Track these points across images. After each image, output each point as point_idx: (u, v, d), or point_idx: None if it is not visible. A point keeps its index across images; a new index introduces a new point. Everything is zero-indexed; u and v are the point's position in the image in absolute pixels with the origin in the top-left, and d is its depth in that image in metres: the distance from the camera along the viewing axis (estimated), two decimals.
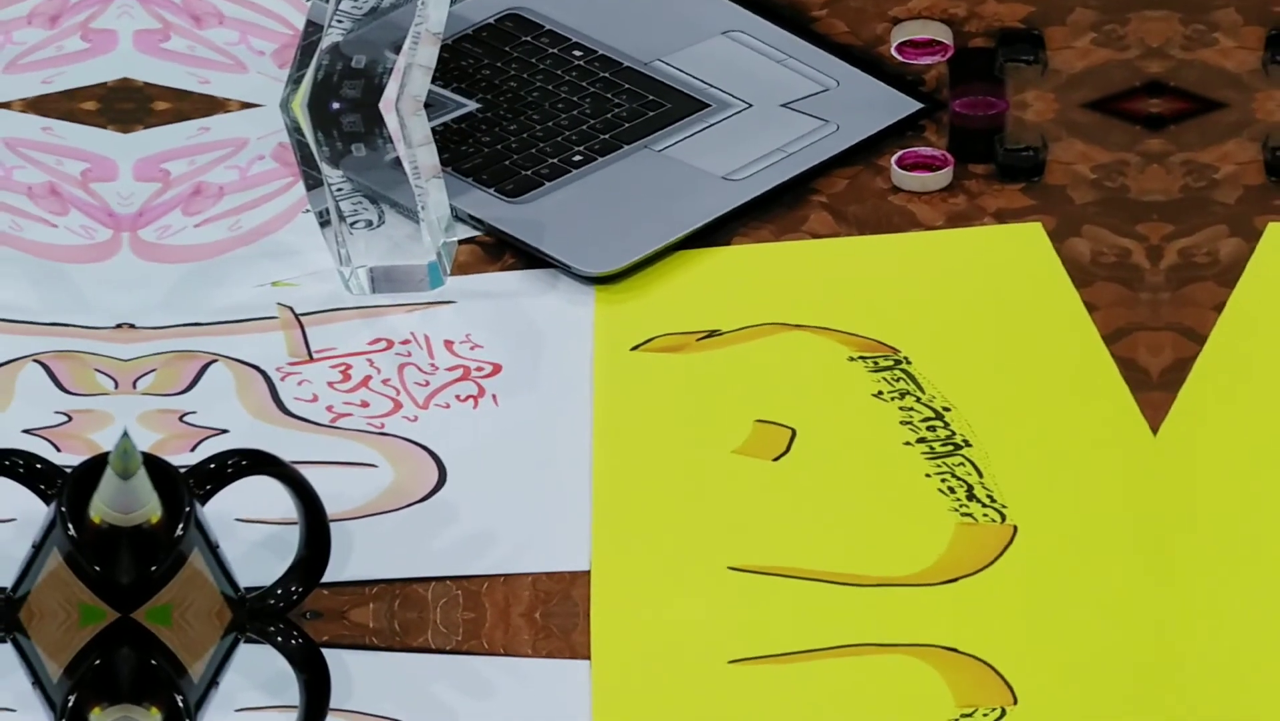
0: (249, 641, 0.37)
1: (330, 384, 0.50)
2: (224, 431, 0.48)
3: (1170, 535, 0.40)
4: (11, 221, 0.60)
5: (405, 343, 0.52)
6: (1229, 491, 0.41)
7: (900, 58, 0.60)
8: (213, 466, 0.37)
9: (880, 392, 0.47)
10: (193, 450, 0.47)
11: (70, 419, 0.48)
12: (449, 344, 0.51)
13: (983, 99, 0.61)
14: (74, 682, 0.33)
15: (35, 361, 0.51)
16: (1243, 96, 0.59)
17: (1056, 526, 0.41)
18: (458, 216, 0.60)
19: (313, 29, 0.54)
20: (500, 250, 0.59)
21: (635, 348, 0.51)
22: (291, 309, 0.55)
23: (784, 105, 0.62)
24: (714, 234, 0.57)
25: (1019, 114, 0.64)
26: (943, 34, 0.62)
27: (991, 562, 0.40)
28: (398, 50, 0.53)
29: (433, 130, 0.55)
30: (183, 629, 0.34)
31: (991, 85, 0.61)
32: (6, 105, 0.62)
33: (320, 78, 0.53)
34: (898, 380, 0.48)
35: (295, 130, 0.51)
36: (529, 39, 0.70)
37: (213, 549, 0.36)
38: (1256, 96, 0.59)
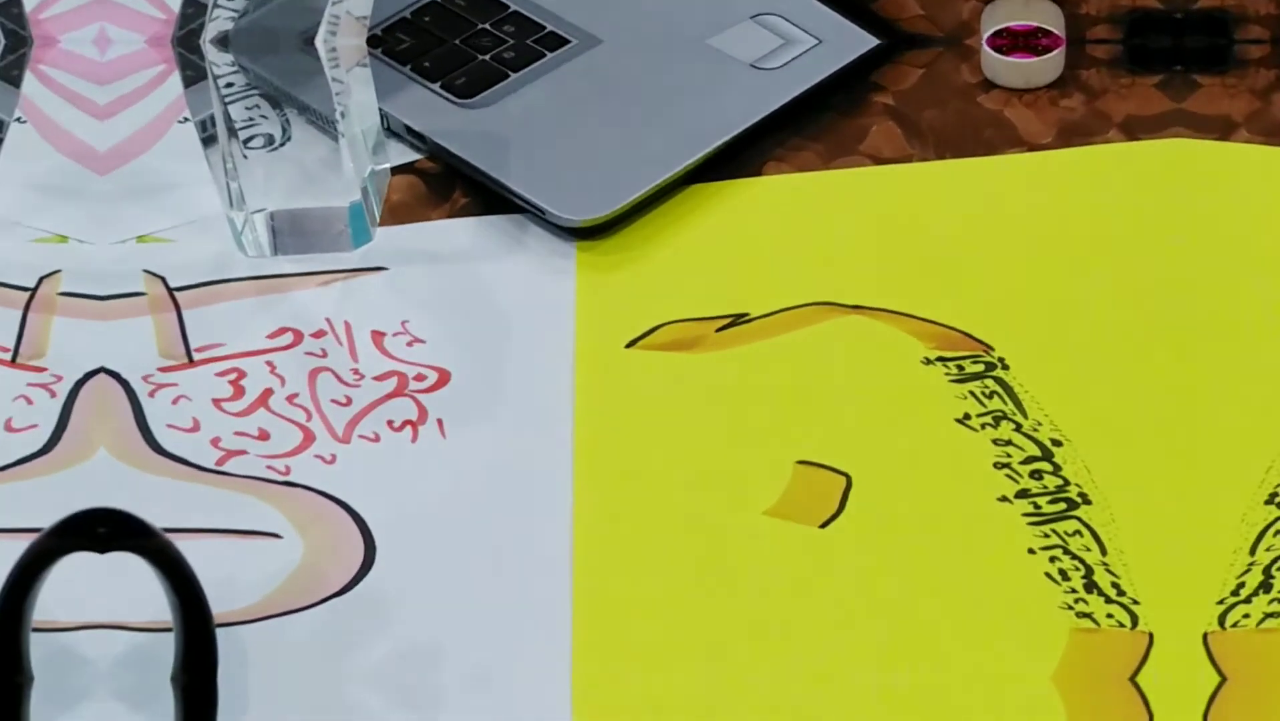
0: None
1: (216, 402, 0.40)
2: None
3: None
4: None
5: (318, 335, 0.42)
6: None
7: (992, 53, 0.46)
8: (39, 548, 0.30)
9: (967, 416, 0.39)
10: None
11: None
12: (378, 337, 0.42)
13: None
14: None
15: None
16: None
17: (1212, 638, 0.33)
18: (390, 130, 0.50)
19: None
20: (448, 182, 0.48)
21: (632, 343, 0.41)
22: (164, 280, 0.45)
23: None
24: (739, 156, 0.46)
25: None
26: (1053, 20, 0.47)
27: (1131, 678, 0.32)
28: None
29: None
30: None
31: None
32: None
33: None
34: (990, 395, 0.39)
35: None
36: None
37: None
38: None
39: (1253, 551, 0.34)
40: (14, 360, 0.41)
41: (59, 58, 0.51)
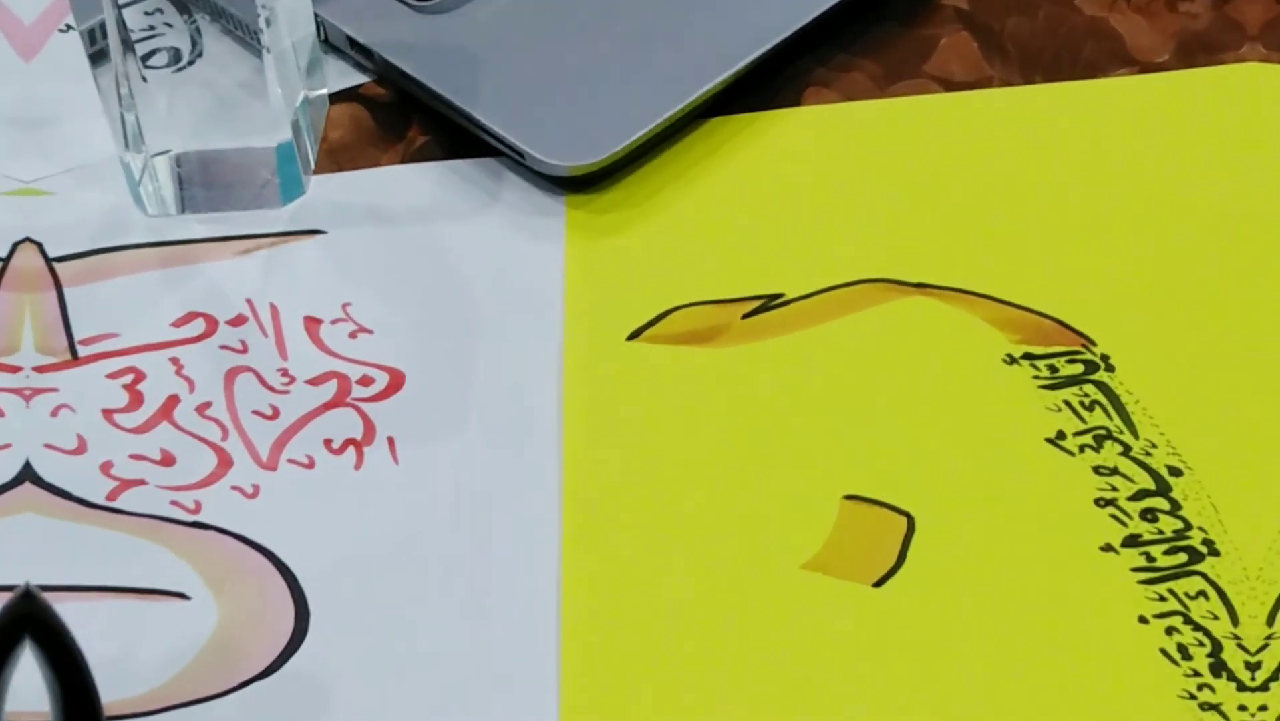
0: None
1: (107, 414, 0.35)
2: None
3: None
4: None
5: (236, 322, 0.37)
6: None
7: None
8: None
9: (1061, 435, 0.34)
10: None
11: None
12: (313, 326, 0.37)
13: None
14: None
15: None
16: None
17: None
18: (329, 43, 0.45)
19: None
20: (401, 115, 0.42)
21: (635, 334, 0.36)
22: (40, 247, 0.41)
23: None
24: (770, 82, 0.42)
25: None
26: None
27: None
28: None
29: None
30: None
31: None
32: None
33: None
34: (1091, 406, 0.34)
35: None
36: None
37: None
38: None
39: None
40: (74, 354, 0.39)
41: None
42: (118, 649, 0.32)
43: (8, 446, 0.36)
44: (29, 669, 0.29)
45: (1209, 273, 0.37)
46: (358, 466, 0.35)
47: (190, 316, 0.38)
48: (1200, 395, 0.35)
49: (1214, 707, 0.30)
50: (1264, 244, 0.37)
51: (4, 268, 0.40)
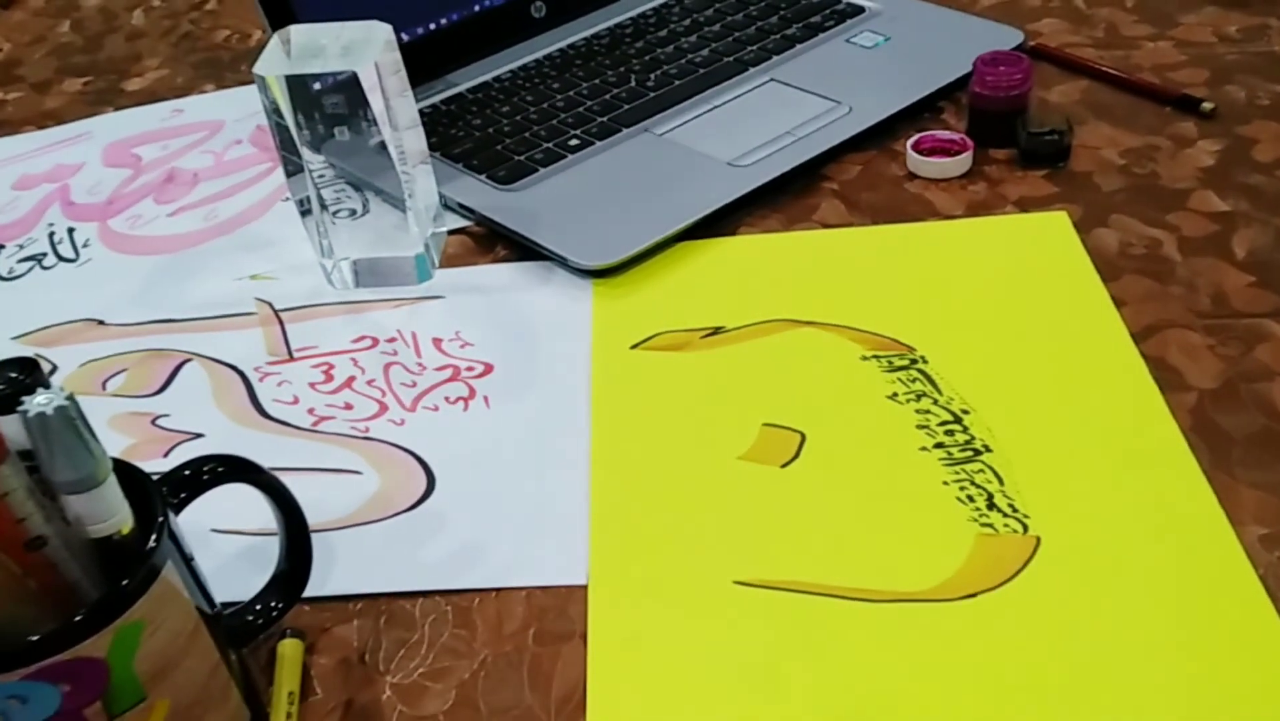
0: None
1: (312, 385, 0.49)
2: (199, 436, 0.47)
3: (1205, 546, 0.39)
4: None
5: (391, 340, 0.51)
6: None
7: (915, 155, 0.57)
8: (188, 473, 0.36)
9: (895, 394, 0.47)
10: (166, 456, 0.46)
11: None
12: (437, 342, 0.51)
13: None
14: None
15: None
16: None
17: (1082, 537, 0.40)
18: (446, 205, 0.60)
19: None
20: (492, 241, 0.58)
21: (635, 346, 0.50)
22: (270, 304, 0.55)
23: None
24: (719, 223, 0.57)
25: (1043, 95, 0.64)
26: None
27: (1013, 576, 0.39)
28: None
29: (420, 113, 0.55)
30: (154, 647, 0.34)
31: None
32: None
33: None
34: (914, 381, 0.47)
35: (274, 112, 0.50)
36: None
37: (187, 562, 0.35)
38: None
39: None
40: (291, 356, 0.49)
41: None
42: (320, 497, 0.43)
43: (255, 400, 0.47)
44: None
45: (979, 312, 0.51)
46: (465, 410, 0.47)
47: (361, 337, 0.51)
48: (976, 373, 0.48)
49: (989, 525, 0.40)
50: (1006, 296, 0.50)
51: (254, 315, 0.51)
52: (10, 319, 0.55)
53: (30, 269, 0.59)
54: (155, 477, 0.34)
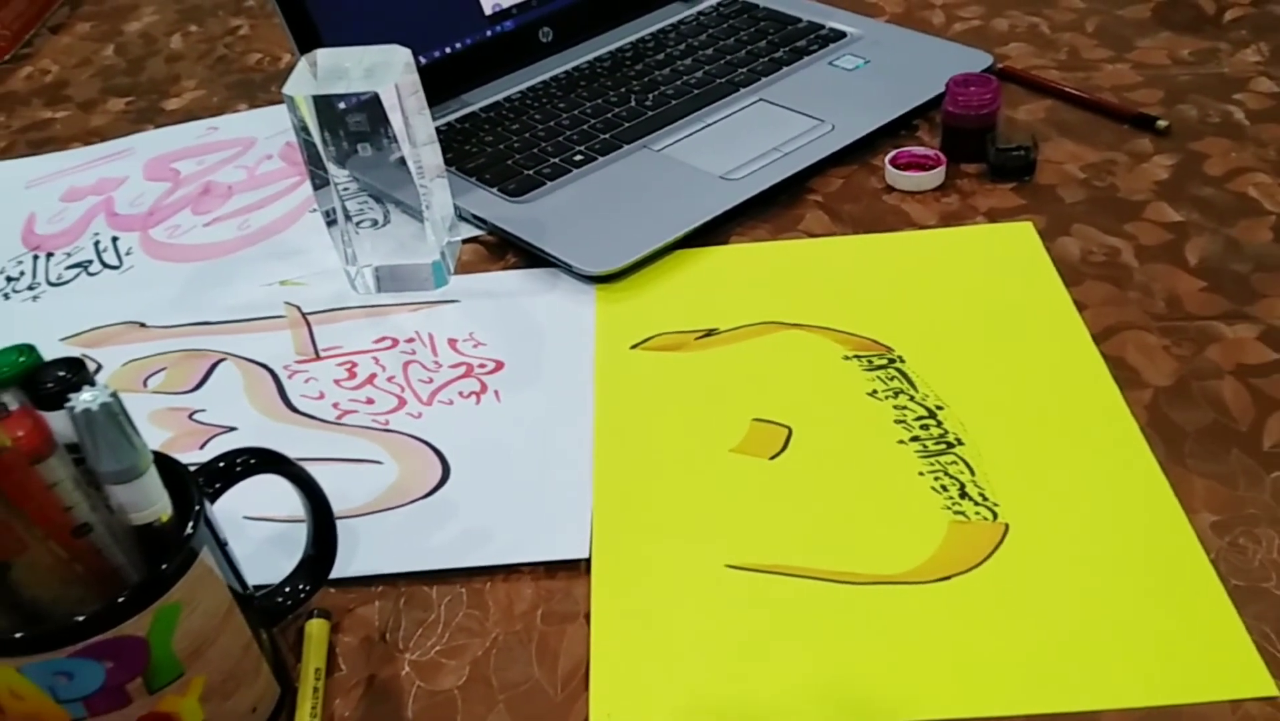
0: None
1: (336, 381, 0.49)
2: (232, 429, 0.47)
3: (1161, 532, 0.39)
4: None
5: (410, 340, 0.51)
6: None
7: (894, 169, 0.56)
8: (222, 465, 0.36)
9: (875, 391, 0.46)
10: (202, 448, 0.46)
11: None
12: (452, 342, 0.50)
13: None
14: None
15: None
16: None
17: (1047, 524, 0.40)
18: (461, 216, 0.59)
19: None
20: (503, 249, 0.58)
21: (635, 346, 0.50)
22: (299, 308, 0.54)
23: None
24: (712, 233, 0.56)
25: (1010, 113, 0.63)
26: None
27: (983, 561, 0.39)
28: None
29: (437, 130, 0.54)
30: (191, 626, 0.34)
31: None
32: None
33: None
34: (892, 379, 0.47)
35: (302, 130, 0.50)
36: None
37: (221, 547, 0.35)
38: None
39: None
40: (318, 355, 0.49)
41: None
42: (344, 486, 0.43)
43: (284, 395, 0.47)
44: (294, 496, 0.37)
45: (951, 316, 0.50)
46: (477, 404, 0.47)
47: (383, 338, 0.50)
48: (950, 372, 0.48)
49: (961, 513, 0.40)
50: (976, 299, 0.51)
51: (284, 318, 0.51)
52: (59, 322, 0.55)
53: (77, 275, 0.59)
54: (192, 469, 0.34)
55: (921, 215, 0.57)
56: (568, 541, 0.40)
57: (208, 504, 0.34)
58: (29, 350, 0.31)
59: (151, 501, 0.32)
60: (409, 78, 0.51)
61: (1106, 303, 0.50)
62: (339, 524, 0.38)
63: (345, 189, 0.52)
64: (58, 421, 0.30)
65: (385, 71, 0.49)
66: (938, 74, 0.63)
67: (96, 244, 0.61)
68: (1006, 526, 0.40)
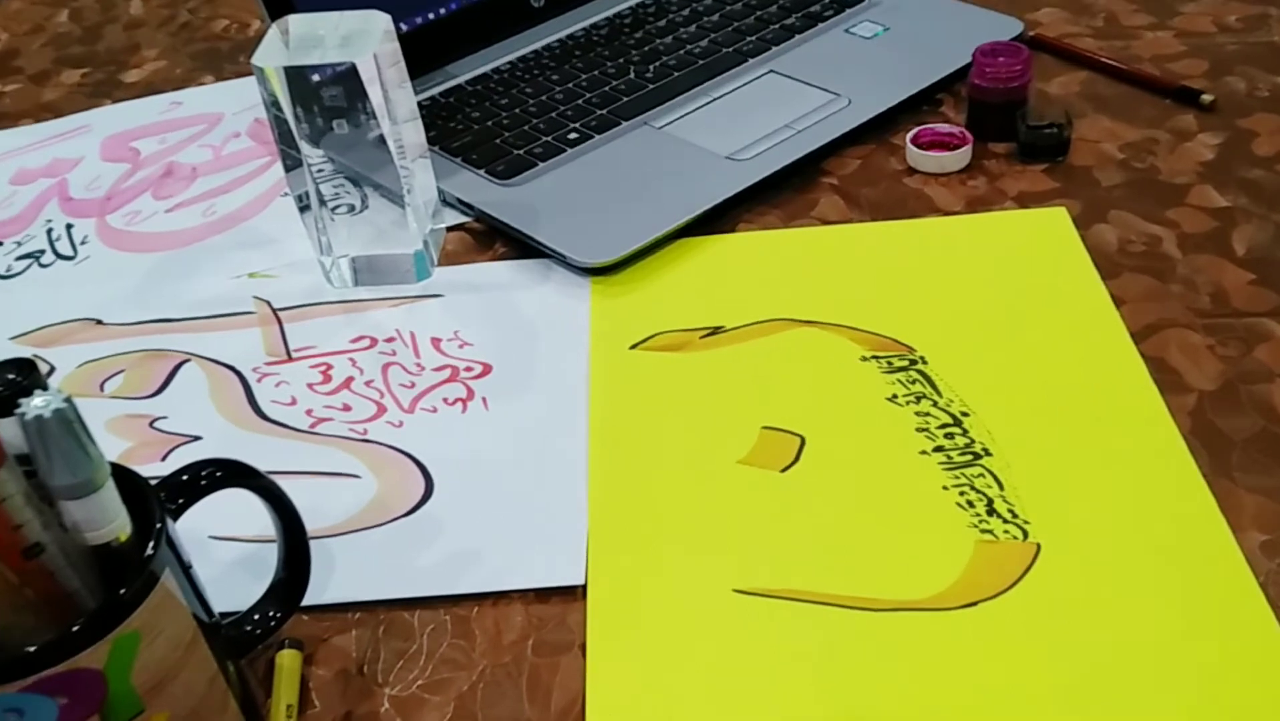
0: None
1: (310, 385, 0.48)
2: (197, 439, 0.46)
3: (1205, 553, 0.38)
4: None
5: (389, 340, 0.50)
6: None
7: (915, 149, 0.55)
8: (185, 478, 0.35)
9: (895, 396, 0.46)
10: (163, 459, 0.45)
11: None
12: (436, 342, 0.50)
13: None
14: None
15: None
16: None
17: (1082, 544, 0.39)
18: (445, 200, 0.58)
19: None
20: (491, 238, 0.57)
21: (634, 346, 0.49)
22: (269, 303, 0.53)
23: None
24: (717, 219, 0.55)
25: (1042, 87, 0.62)
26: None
27: (1013, 585, 0.38)
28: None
29: (419, 105, 0.53)
30: (151, 658, 0.33)
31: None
32: None
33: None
34: (913, 382, 0.46)
35: (273, 105, 0.49)
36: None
37: (185, 569, 0.34)
38: None
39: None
40: (289, 356, 0.48)
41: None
42: (318, 502, 0.42)
43: (252, 401, 0.46)
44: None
45: (976, 313, 0.49)
46: (463, 412, 0.46)
47: (360, 337, 0.50)
48: (976, 374, 0.47)
49: (989, 532, 0.39)
50: (1005, 297, 0.48)
51: (253, 314, 0.50)
52: (8, 318, 0.54)
53: (28, 266, 0.58)
54: (153, 482, 0.33)
55: (945, 200, 0.56)
56: (561, 564, 0.39)
57: (170, 522, 0.33)
58: None
59: (109, 519, 0.31)
60: (389, 46, 0.50)
61: (1146, 297, 0.49)
62: (313, 544, 0.38)
63: (320, 171, 0.51)
64: (6, 430, 0.29)
65: (363, 40, 0.48)
66: (963, 43, 0.62)
67: (49, 232, 0.60)
68: (1038, 546, 0.39)
